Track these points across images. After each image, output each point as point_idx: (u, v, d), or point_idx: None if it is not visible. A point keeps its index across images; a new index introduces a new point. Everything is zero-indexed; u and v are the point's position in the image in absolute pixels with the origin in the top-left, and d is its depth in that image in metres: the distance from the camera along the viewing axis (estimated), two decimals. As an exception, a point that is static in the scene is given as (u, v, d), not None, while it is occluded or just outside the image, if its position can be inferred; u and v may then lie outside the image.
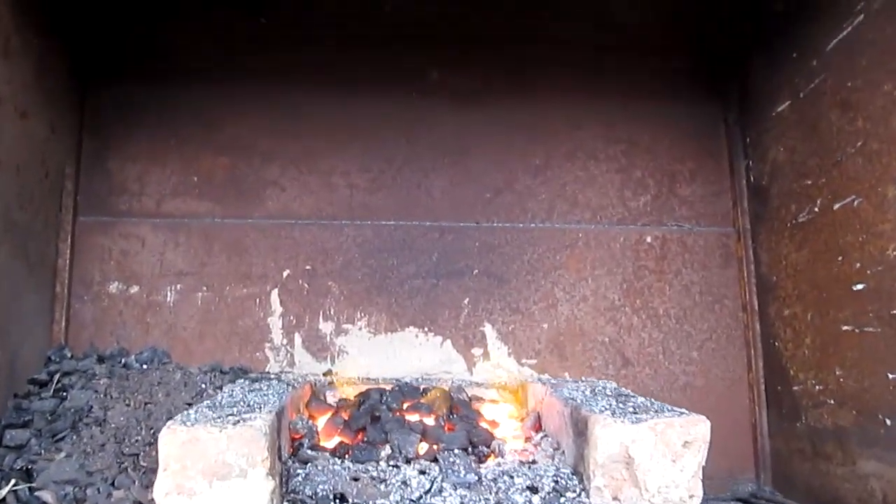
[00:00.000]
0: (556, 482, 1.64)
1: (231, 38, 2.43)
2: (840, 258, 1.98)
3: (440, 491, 1.61)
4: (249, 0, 2.42)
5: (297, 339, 2.34)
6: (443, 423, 1.95)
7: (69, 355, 2.19)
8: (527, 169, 2.46)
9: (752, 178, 2.41)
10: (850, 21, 1.92)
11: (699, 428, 1.52)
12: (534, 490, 1.61)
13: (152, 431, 1.84)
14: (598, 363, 2.38)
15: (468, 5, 2.44)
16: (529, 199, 2.44)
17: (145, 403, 1.95)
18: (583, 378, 2.29)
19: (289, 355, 2.33)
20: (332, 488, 1.60)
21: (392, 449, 1.78)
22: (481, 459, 1.79)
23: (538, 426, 1.99)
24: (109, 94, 2.39)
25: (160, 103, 2.40)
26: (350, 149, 2.43)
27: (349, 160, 2.43)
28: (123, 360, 2.20)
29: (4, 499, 1.73)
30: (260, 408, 1.60)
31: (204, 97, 2.41)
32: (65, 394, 2.00)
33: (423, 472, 1.66)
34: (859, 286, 1.91)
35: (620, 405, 1.68)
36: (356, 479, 1.63)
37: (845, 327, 1.96)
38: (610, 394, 1.85)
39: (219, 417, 1.50)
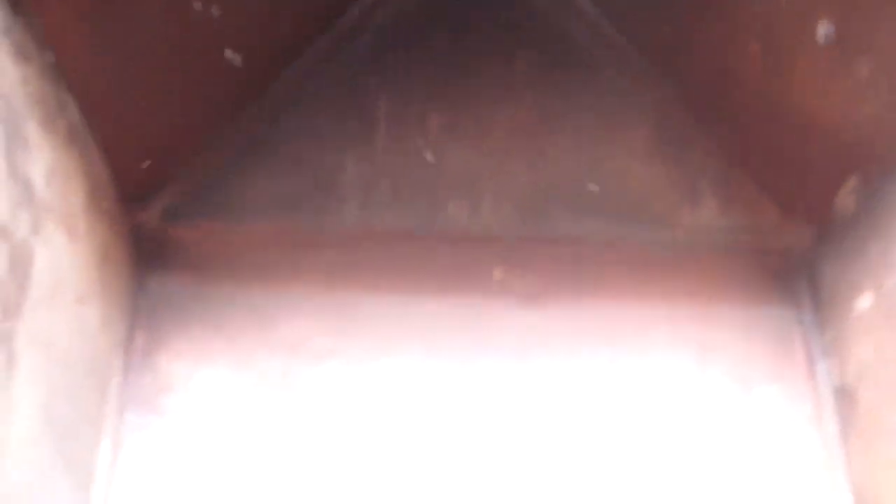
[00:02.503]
0: None
1: (292, 239, 2.41)
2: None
3: None
4: (313, 206, 2.41)
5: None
6: None
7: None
8: (594, 372, 2.33)
9: (834, 380, 2.28)
10: (936, 206, 1.89)
11: None
12: None
13: None
14: None
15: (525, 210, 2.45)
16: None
17: None
18: None
19: None
20: None
21: None
22: None
23: None
24: (163, 287, 2.32)
25: (213, 299, 2.32)
26: (409, 351, 2.31)
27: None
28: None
29: None
30: None
31: (259, 295, 2.34)
32: None
33: None
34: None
35: None
36: None
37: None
38: None
39: None
